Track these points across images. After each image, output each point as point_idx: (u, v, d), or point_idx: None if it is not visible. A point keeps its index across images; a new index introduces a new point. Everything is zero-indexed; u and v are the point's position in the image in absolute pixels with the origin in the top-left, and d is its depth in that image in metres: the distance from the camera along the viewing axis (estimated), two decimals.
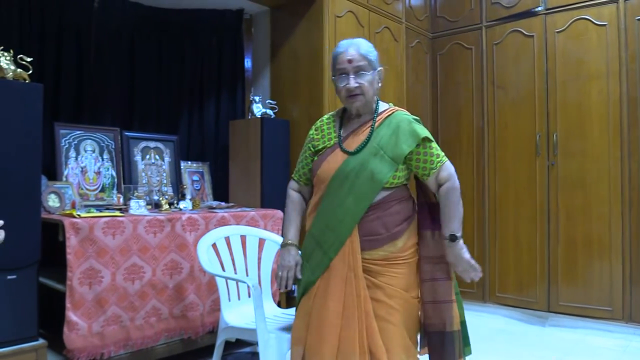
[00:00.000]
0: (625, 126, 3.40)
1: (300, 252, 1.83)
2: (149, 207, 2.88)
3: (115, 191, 3.05)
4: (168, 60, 3.59)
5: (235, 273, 2.54)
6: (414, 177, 1.80)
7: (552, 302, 3.65)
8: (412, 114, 1.80)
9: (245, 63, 3.81)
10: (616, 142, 3.42)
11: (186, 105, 3.66)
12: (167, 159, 3.34)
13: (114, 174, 3.09)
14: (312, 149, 1.84)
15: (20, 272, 2.18)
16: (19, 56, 2.30)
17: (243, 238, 2.63)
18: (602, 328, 3.40)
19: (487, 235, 3.99)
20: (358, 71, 1.71)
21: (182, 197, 3.25)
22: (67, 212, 2.45)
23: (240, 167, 3.43)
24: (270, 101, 3.50)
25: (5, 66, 2.22)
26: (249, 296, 2.48)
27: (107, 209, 2.72)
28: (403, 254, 1.71)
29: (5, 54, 2.25)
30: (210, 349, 2.51)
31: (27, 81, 2.29)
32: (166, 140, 3.37)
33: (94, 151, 3.03)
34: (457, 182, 1.73)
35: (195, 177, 3.50)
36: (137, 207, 2.72)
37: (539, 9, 3.74)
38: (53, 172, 2.85)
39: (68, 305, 2.23)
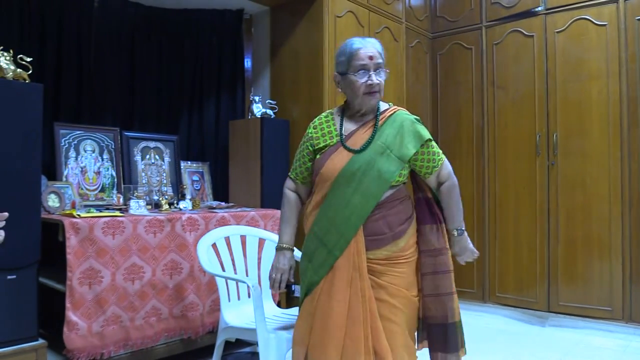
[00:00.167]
0: (625, 126, 3.40)
1: (295, 255, 1.85)
2: (149, 207, 2.88)
3: (115, 191, 3.05)
4: (168, 60, 3.59)
5: (235, 273, 2.54)
6: (410, 173, 1.81)
7: (552, 302, 3.65)
8: (412, 114, 1.82)
9: (245, 63, 3.81)
10: (616, 142, 3.42)
11: (186, 105, 3.66)
12: (167, 159, 3.34)
13: (114, 174, 3.09)
14: (310, 147, 1.82)
15: (20, 272, 2.18)
16: (19, 56, 2.30)
17: (243, 238, 2.63)
18: (602, 328, 3.39)
19: (487, 235, 3.99)
20: (377, 68, 1.72)
21: (182, 197, 3.25)
22: (67, 212, 2.45)
23: (240, 167, 3.43)
24: (270, 101, 3.50)
25: (5, 66, 2.22)
26: (249, 296, 2.48)
27: (107, 209, 2.73)
28: (404, 253, 1.73)
29: (5, 54, 2.26)
30: (210, 349, 2.51)
31: (27, 81, 2.29)
32: (166, 140, 3.37)
33: (93, 151, 3.03)
34: (455, 179, 1.81)
35: (195, 177, 3.50)
36: (137, 207, 2.72)
37: (539, 9, 3.74)
38: (53, 172, 2.85)
39: (68, 305, 2.23)
